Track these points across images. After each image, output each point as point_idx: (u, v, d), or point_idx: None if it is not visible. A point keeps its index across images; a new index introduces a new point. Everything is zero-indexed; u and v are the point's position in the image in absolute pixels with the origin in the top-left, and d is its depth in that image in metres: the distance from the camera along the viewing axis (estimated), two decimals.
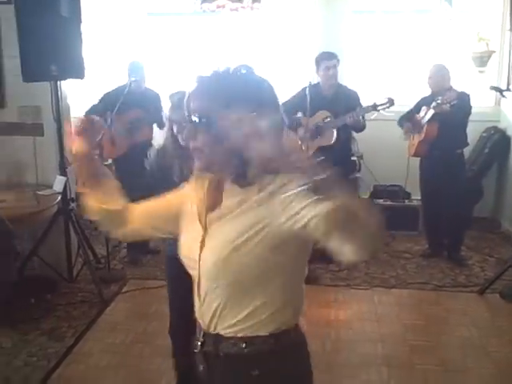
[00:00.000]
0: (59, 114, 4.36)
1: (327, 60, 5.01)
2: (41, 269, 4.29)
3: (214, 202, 1.53)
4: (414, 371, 3.48)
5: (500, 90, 4.87)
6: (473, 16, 6.18)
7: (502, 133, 5.98)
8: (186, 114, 1.49)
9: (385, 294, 4.55)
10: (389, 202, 5.92)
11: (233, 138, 1.27)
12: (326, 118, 5.01)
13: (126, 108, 4.78)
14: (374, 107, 4.93)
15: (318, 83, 5.11)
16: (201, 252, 1.51)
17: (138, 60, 5.24)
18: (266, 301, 1.45)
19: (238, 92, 1.42)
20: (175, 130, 2.64)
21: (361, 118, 4.94)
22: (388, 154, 5.84)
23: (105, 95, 5.05)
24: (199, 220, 1.55)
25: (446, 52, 6.04)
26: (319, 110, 4.98)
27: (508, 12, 5.95)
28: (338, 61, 5.06)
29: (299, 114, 5.11)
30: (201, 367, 1.57)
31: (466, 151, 5.21)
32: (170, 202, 1.70)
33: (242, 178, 1.44)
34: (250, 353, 1.44)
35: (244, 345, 1.44)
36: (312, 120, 4.98)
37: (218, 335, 1.49)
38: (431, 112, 4.75)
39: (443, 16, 6.21)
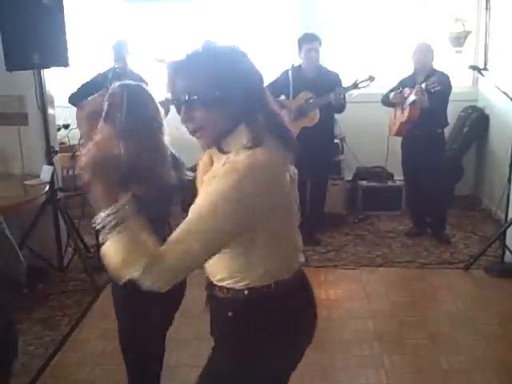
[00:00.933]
0: (43, 102, 4.35)
1: (309, 42, 5.05)
2: (31, 259, 4.28)
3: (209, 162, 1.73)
4: (404, 345, 3.57)
5: (479, 69, 4.94)
6: None
7: (481, 112, 6.08)
8: (173, 96, 1.58)
9: (372, 272, 4.64)
10: (372, 183, 6.00)
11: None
12: (309, 98, 5.05)
13: None
14: (355, 85, 4.98)
15: (300, 65, 5.15)
16: None
17: (123, 39, 5.22)
18: (235, 263, 1.67)
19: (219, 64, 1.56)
20: None
21: (342, 97, 4.99)
22: (370, 135, 5.90)
23: (83, 86, 5.00)
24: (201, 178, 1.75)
25: (423, 32, 6.10)
26: (302, 92, 5.03)
27: None
28: (320, 43, 5.10)
29: (282, 97, 5.15)
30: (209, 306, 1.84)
31: (446, 130, 5.30)
32: None
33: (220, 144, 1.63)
34: (227, 298, 1.71)
35: (225, 291, 1.72)
36: (295, 102, 5.02)
37: (212, 283, 1.76)
38: (413, 97, 4.81)
39: None
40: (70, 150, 5.48)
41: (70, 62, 4.20)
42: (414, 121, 4.93)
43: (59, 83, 4.91)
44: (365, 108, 5.70)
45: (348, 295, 4.29)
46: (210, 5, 6.22)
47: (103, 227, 1.49)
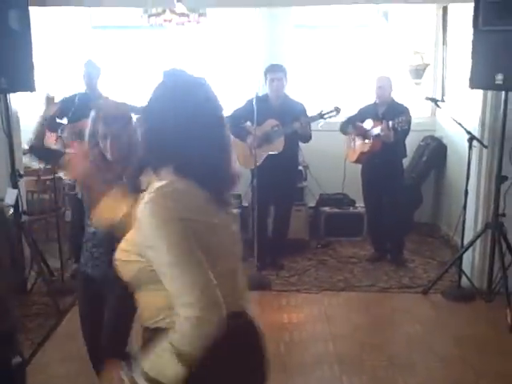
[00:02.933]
0: (9, 127, 4.37)
1: (272, 72, 5.21)
2: None
3: None
4: (363, 367, 3.66)
5: (435, 101, 5.14)
6: (408, 31, 6.50)
7: (439, 141, 6.30)
8: None
9: (334, 296, 4.73)
10: (334, 210, 6.13)
11: None
12: (275, 126, 5.18)
13: (79, 116, 4.77)
14: (321, 115, 5.13)
15: (267, 94, 5.28)
16: None
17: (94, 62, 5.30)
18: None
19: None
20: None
21: (307, 126, 5.13)
22: (332, 163, 6.00)
23: (63, 100, 5.06)
24: None
25: (384, 64, 6.33)
26: (267, 120, 5.15)
27: (441, 27, 6.30)
28: (285, 73, 5.25)
29: (248, 123, 5.26)
30: None
31: (406, 159, 5.50)
32: None
33: None
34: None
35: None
36: (261, 128, 5.13)
37: None
38: (378, 130, 4.97)
39: (380, 30, 6.52)
40: (35, 173, 5.50)
41: (36, 86, 4.26)
42: (375, 152, 5.10)
43: (25, 107, 4.92)
44: (327, 136, 5.82)
45: (310, 318, 4.36)
46: (177, 33, 6.35)
47: None
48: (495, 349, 3.88)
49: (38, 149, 3.06)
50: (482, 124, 4.65)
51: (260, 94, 5.15)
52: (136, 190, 1.80)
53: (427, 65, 6.47)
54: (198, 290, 1.49)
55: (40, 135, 3.24)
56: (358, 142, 5.31)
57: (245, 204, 5.87)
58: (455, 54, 5.89)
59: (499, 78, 4.12)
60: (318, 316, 4.39)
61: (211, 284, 1.52)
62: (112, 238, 2.72)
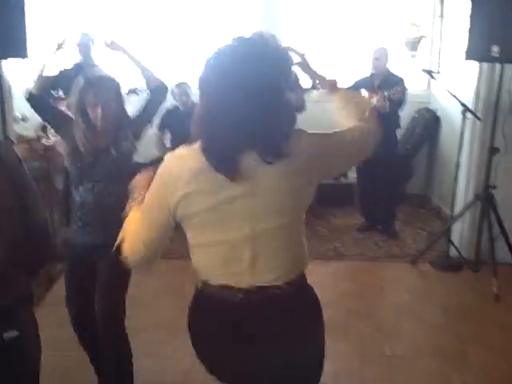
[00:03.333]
0: (2, 94, 4.35)
1: None
2: None
3: None
4: (349, 334, 3.73)
5: (430, 73, 5.13)
6: (405, 2, 6.45)
7: (433, 113, 6.30)
8: None
9: (323, 265, 4.77)
10: (326, 180, 6.13)
11: None
12: None
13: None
14: (314, 86, 5.11)
15: None
16: None
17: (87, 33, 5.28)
18: None
19: None
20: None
21: (302, 97, 5.13)
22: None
23: (62, 72, 5.10)
24: None
25: (381, 36, 6.29)
26: None
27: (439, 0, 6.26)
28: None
29: None
30: None
31: (400, 130, 5.51)
32: None
33: None
34: None
35: None
36: None
37: None
38: (375, 101, 4.96)
39: (377, 2, 6.47)
40: (28, 142, 5.49)
41: (28, 53, 4.22)
42: None
43: (17, 75, 4.89)
44: (321, 107, 5.80)
45: None
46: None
47: None
48: (481, 317, 3.95)
49: (37, 98, 2.96)
50: (477, 96, 4.66)
51: None
52: None
53: (423, 37, 6.44)
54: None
55: (41, 84, 3.10)
56: None
57: None
58: (451, 27, 5.86)
59: (495, 50, 4.10)
60: None
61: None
62: (101, 205, 2.80)
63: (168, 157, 1.72)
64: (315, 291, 1.92)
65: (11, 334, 1.87)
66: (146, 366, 3.26)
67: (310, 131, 1.73)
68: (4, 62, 4.41)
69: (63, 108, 4.79)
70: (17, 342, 1.88)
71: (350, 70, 6.19)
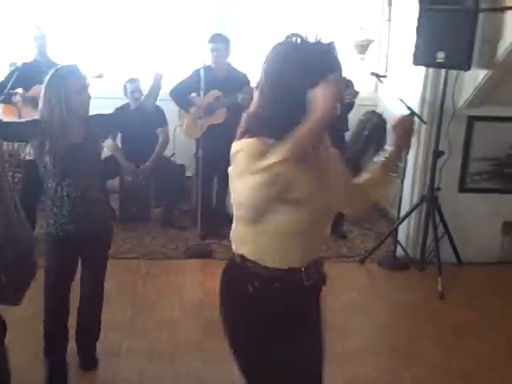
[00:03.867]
0: None
1: (212, 43, 5.23)
2: None
3: None
4: None
5: (378, 76, 5.25)
6: (355, 6, 6.58)
7: (380, 116, 6.42)
8: None
9: None
10: None
11: None
12: (218, 97, 5.19)
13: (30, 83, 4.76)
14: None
15: (209, 65, 5.28)
16: None
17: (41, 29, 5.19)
18: None
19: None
20: None
21: (250, 97, 5.16)
22: None
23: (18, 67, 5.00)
24: None
25: (330, 39, 6.38)
26: (210, 91, 5.15)
27: (386, 4, 6.41)
28: (227, 43, 5.25)
29: (193, 95, 5.28)
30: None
31: (348, 133, 5.63)
32: None
33: None
34: None
35: None
36: (204, 99, 5.15)
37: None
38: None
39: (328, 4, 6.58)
40: None
41: None
42: None
43: None
44: None
45: None
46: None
47: None
48: (427, 314, 4.09)
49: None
50: (422, 100, 4.81)
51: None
52: None
53: (371, 41, 6.58)
54: None
55: None
56: None
57: (188, 174, 5.89)
58: (399, 31, 6.01)
59: (440, 56, 4.25)
60: None
61: None
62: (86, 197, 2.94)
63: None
64: None
65: None
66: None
67: None
68: None
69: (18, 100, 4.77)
70: None
71: None
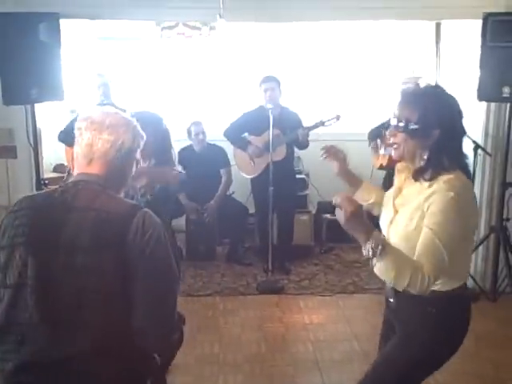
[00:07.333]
0: (36, 136, 4.44)
1: (265, 83, 5.44)
2: None
3: (399, 189, 2.19)
4: None
5: None
6: (402, 45, 6.79)
7: None
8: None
9: (347, 298, 4.95)
10: (334, 217, 6.29)
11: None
12: (277, 135, 5.36)
13: None
14: (322, 123, 5.34)
15: (262, 105, 5.50)
16: (388, 229, 2.15)
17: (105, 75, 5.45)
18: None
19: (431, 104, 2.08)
20: None
21: (307, 134, 5.36)
22: (330, 171, 6.19)
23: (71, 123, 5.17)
24: (392, 202, 2.18)
25: (377, 77, 6.58)
26: (266, 130, 5.30)
27: (434, 42, 6.59)
28: (278, 83, 5.46)
29: (245, 134, 5.51)
30: (391, 300, 2.42)
31: None
32: None
33: (421, 174, 2.06)
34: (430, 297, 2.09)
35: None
36: (261, 139, 5.39)
37: None
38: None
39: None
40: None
41: (64, 95, 4.36)
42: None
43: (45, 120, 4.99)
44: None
45: (330, 319, 4.57)
46: (175, 45, 6.50)
47: (373, 255, 1.97)
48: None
49: None
50: (486, 134, 4.93)
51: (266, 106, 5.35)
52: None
53: (419, 78, 6.74)
54: (432, 267, 2.01)
55: None
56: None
57: (251, 211, 6.02)
58: (448, 68, 6.17)
59: (506, 90, 4.41)
60: (336, 317, 4.59)
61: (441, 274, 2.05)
62: None
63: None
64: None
65: None
66: None
67: None
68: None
69: None
70: None
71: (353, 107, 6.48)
